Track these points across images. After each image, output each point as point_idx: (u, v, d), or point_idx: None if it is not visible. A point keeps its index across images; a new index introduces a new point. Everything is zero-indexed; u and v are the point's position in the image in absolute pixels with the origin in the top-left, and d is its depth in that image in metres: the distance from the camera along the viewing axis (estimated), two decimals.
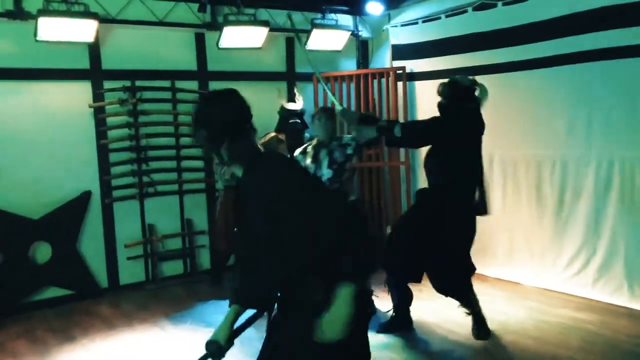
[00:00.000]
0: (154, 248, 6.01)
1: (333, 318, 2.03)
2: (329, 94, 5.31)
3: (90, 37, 5.29)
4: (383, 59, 7.22)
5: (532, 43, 5.39)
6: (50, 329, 4.88)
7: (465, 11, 5.96)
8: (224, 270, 6.02)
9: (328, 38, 6.68)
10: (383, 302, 4.55)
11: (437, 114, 4.28)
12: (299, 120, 6.46)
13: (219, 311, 4.73)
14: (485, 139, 5.81)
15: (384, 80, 6.70)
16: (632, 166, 4.81)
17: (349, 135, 4.94)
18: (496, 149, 5.79)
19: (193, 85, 6.18)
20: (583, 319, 4.63)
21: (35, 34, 5.04)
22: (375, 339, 4.34)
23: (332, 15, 6.73)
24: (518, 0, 5.46)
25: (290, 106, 6.53)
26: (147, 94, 5.89)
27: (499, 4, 5.63)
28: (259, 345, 2.36)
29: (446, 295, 4.35)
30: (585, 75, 5.03)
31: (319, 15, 6.65)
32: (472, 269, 4.37)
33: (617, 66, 4.79)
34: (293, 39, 6.77)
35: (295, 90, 6.76)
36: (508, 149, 5.72)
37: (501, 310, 4.84)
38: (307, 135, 6.53)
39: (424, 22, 6.48)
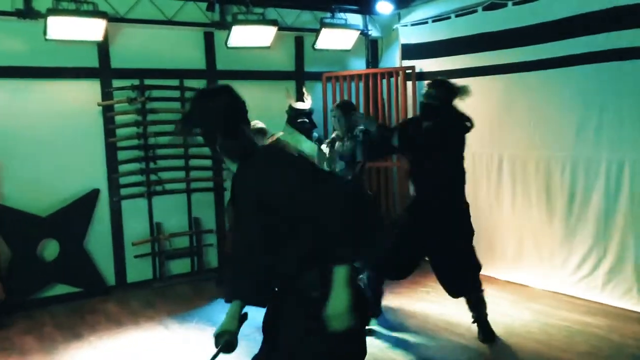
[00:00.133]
0: (161, 246, 6.03)
1: (335, 308, 2.03)
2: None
3: (99, 36, 5.32)
4: (392, 59, 7.19)
5: (542, 43, 5.33)
6: (57, 325, 4.92)
7: (475, 11, 5.92)
8: None
9: (337, 37, 6.66)
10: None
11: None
12: (307, 120, 6.42)
13: (225, 310, 4.70)
14: (495, 139, 5.82)
15: (393, 79, 6.67)
16: None
17: (361, 127, 4.97)
18: (505, 150, 5.74)
19: (202, 84, 6.16)
20: (590, 322, 4.58)
21: (44, 33, 5.09)
22: (380, 341, 4.34)
23: (341, 15, 6.70)
24: (528, 0, 5.41)
25: (299, 105, 6.50)
26: (155, 93, 5.91)
27: (509, 3, 5.57)
28: (254, 344, 2.34)
29: (459, 296, 4.32)
30: (596, 76, 4.96)
31: (328, 15, 6.63)
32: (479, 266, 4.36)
33: (628, 67, 4.72)
34: (302, 37, 6.77)
35: (304, 90, 6.73)
36: (517, 150, 5.66)
37: (507, 313, 4.80)
38: (315, 134, 6.51)
39: (433, 21, 6.44)
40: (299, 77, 6.89)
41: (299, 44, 6.87)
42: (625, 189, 4.86)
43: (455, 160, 4.22)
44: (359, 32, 6.89)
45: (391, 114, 6.61)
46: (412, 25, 6.72)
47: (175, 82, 6.03)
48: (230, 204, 2.46)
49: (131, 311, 5.25)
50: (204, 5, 6.01)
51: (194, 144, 6.07)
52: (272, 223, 2.16)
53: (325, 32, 6.49)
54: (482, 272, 4.37)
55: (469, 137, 4.24)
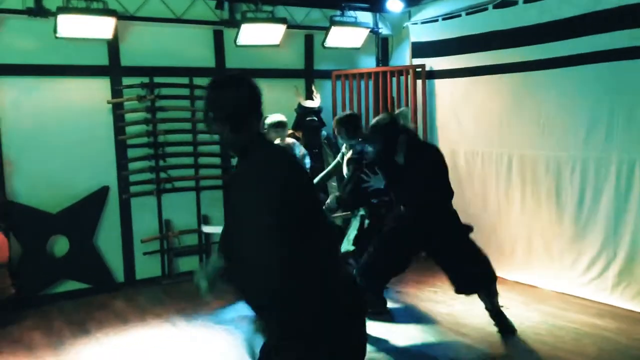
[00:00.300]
0: (170, 244, 6.05)
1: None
2: None
3: (109, 34, 5.35)
4: (403, 57, 7.15)
5: (553, 41, 5.27)
6: (65, 321, 4.96)
7: (486, 9, 5.86)
8: None
9: (347, 35, 6.64)
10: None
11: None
12: (316, 118, 6.43)
13: (232, 309, 4.75)
14: (505, 138, 5.77)
15: (403, 78, 6.63)
16: None
17: (359, 146, 4.98)
18: (515, 149, 5.69)
19: None
20: (599, 325, 4.53)
21: (55, 31, 5.12)
22: (387, 340, 4.32)
23: (351, 13, 6.68)
24: None
25: (308, 104, 6.50)
26: (165, 91, 5.93)
27: (520, 1, 5.51)
28: None
29: (470, 292, 4.35)
30: (607, 75, 4.89)
31: (338, 12, 6.61)
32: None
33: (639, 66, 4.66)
34: (312, 35, 6.76)
35: (313, 88, 6.74)
36: (527, 149, 5.61)
37: (515, 314, 4.74)
38: (324, 133, 6.51)
39: (444, 19, 6.39)
40: (309, 75, 6.88)
41: (309, 42, 6.85)
42: (635, 189, 4.79)
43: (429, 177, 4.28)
44: (369, 30, 6.86)
45: None
46: (423, 23, 6.68)
47: (184, 80, 6.05)
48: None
49: (139, 308, 5.28)
50: (213, 3, 6.02)
51: (203, 142, 6.11)
52: (241, 228, 2.09)
53: (335, 30, 6.47)
54: None
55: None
